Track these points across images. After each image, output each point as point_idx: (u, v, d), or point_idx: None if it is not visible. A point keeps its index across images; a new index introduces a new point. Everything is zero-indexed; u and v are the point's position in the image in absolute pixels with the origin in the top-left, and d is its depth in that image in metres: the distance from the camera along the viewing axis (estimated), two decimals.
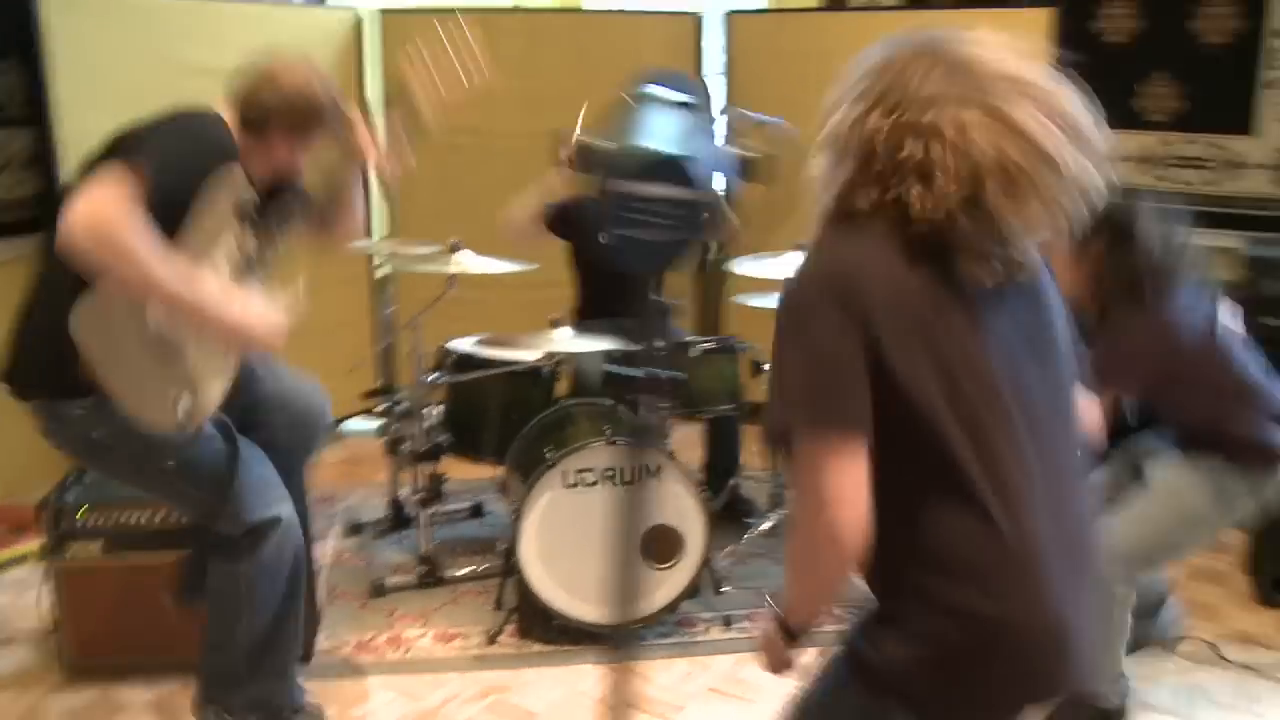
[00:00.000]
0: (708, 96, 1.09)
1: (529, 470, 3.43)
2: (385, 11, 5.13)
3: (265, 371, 2.94)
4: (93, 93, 4.04)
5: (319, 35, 4.92)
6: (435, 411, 3.91)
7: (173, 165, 2.36)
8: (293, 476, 2.93)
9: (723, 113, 1.23)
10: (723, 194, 0.60)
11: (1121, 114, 4.81)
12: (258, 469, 2.75)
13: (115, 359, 2.39)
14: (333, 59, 4.97)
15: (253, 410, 2.88)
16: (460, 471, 4.05)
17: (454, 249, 3.71)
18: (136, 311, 2.38)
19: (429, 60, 2.80)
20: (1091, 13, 4.76)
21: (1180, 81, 4.69)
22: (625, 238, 0.57)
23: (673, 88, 0.78)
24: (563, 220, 4.33)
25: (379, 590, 3.75)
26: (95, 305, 2.33)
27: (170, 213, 2.33)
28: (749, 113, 0.90)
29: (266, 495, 2.74)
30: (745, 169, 0.68)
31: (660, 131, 0.65)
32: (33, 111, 4.00)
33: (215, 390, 2.63)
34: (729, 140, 0.86)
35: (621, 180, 0.59)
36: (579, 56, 5.25)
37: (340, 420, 5.26)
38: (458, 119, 5.18)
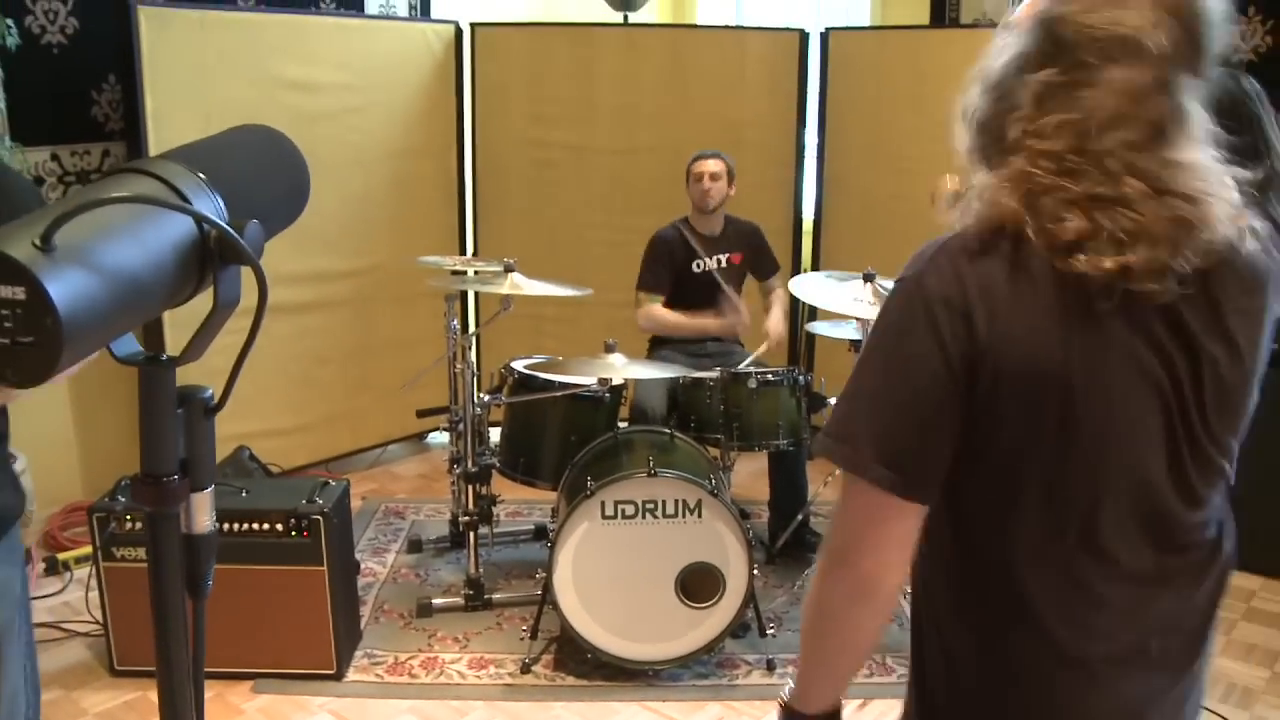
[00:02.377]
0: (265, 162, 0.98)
1: (572, 498, 3.35)
2: (477, 25, 5.14)
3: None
4: (185, 105, 4.16)
5: (418, 49, 4.97)
6: (496, 432, 3.87)
7: None
8: None
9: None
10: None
11: None
12: None
13: None
14: (431, 72, 5.01)
15: None
16: (527, 493, 4.00)
17: (508, 269, 3.65)
18: None
19: None
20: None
21: None
22: None
23: (211, 154, 0.71)
24: (662, 265, 4.28)
25: (425, 610, 3.72)
26: None
27: None
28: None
29: None
30: (210, 255, 0.59)
31: (49, 219, 0.57)
32: (128, 126, 4.14)
33: None
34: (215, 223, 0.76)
35: None
36: (680, 72, 5.17)
37: (426, 434, 5.32)
38: (554, 135, 5.25)
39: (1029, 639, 1.30)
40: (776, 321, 4.32)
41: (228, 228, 0.75)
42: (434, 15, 5.43)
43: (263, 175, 1.00)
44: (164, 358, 0.84)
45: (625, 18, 5.36)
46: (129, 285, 0.66)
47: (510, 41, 5.17)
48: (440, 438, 5.33)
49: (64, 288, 0.59)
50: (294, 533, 3.24)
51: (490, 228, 5.28)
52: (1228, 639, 3.73)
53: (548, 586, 3.31)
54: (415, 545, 4.23)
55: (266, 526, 3.23)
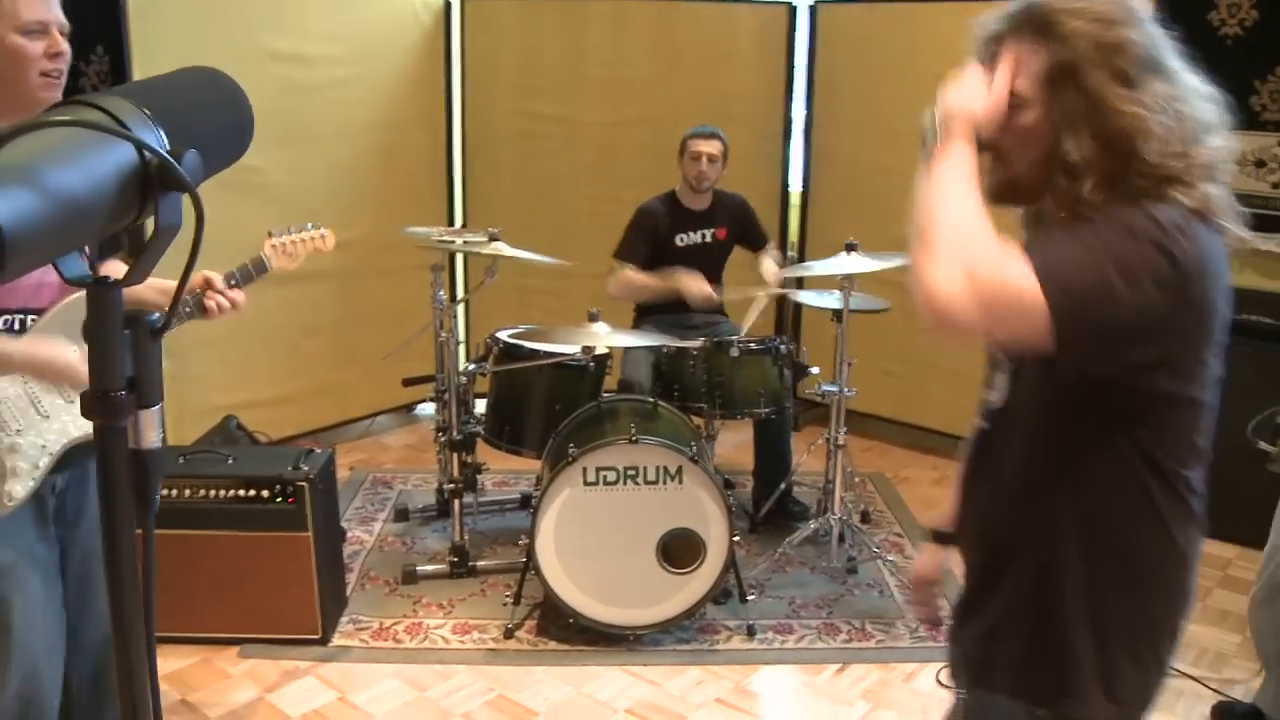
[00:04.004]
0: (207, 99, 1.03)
1: (554, 465, 3.39)
2: None
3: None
4: None
5: (406, 22, 4.98)
6: (481, 401, 3.91)
7: None
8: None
9: None
10: None
11: (1237, 113, 4.45)
12: (35, 644, 2.21)
13: None
14: (419, 46, 5.02)
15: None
16: (513, 462, 4.03)
17: (492, 239, 3.68)
18: None
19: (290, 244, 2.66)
20: (1208, 2, 4.40)
21: None
22: None
23: (159, 91, 0.76)
24: (643, 236, 4.28)
25: (410, 577, 3.76)
26: None
27: None
28: None
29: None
30: (149, 180, 0.64)
31: None
32: None
33: (19, 488, 2.14)
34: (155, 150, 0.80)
35: None
36: (669, 45, 5.17)
37: (415, 405, 5.36)
38: (543, 107, 5.26)
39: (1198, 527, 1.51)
40: (770, 267, 4.34)
41: (166, 155, 0.79)
42: None
43: (205, 111, 1.05)
44: (110, 279, 0.89)
45: None
46: (69, 205, 0.70)
47: (499, 14, 5.17)
48: (428, 409, 5.35)
49: (5, 203, 0.62)
50: (279, 499, 3.27)
51: (479, 200, 5.30)
52: (1203, 605, 3.78)
53: (530, 552, 3.35)
54: (402, 514, 4.27)
55: (252, 493, 3.27)
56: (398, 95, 4.97)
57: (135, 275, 0.86)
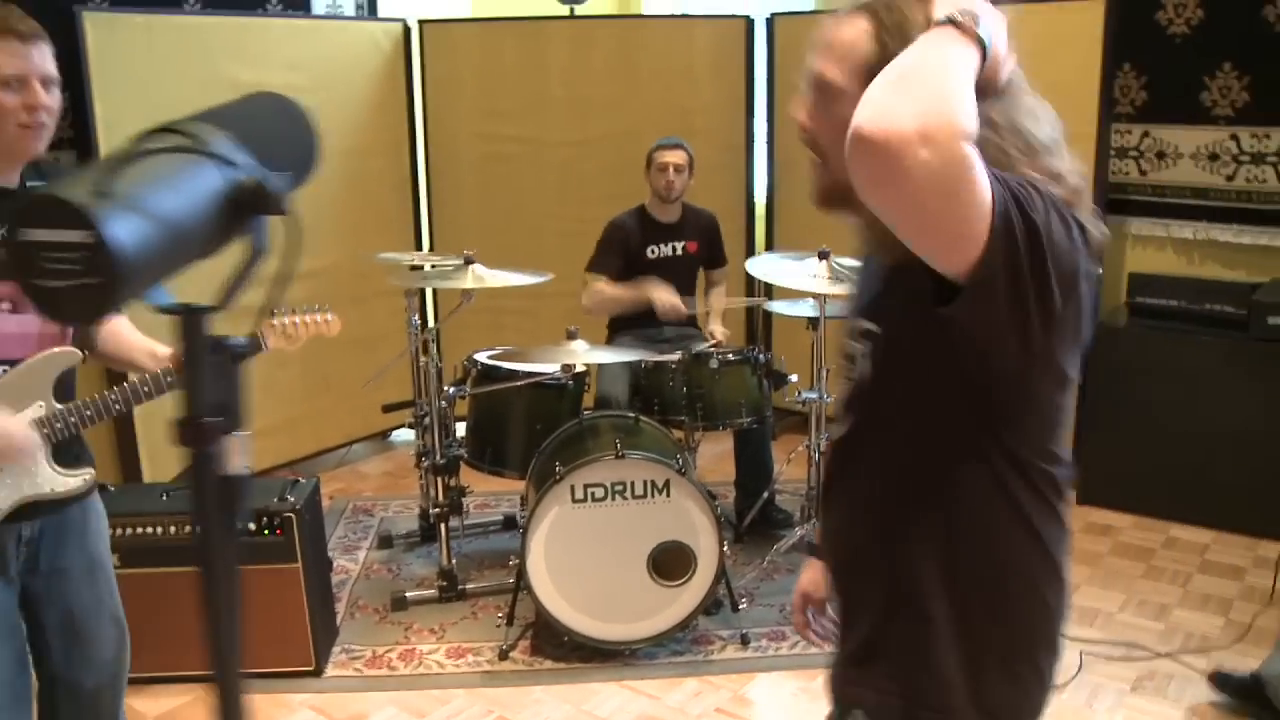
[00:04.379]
0: (282, 126, 1.02)
1: (541, 484, 3.39)
2: (425, 22, 5.16)
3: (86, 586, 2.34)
4: (136, 112, 4.14)
5: (367, 48, 4.98)
6: (462, 425, 3.91)
7: None
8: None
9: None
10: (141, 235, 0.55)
11: (1188, 108, 4.56)
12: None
13: None
14: (381, 70, 5.02)
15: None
16: (494, 484, 4.03)
17: (468, 262, 3.68)
18: None
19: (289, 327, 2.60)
20: (1149, 6, 4.50)
21: (1250, 73, 4.40)
22: (39, 288, 0.54)
23: (235, 118, 0.75)
24: (614, 250, 4.30)
25: (400, 604, 3.75)
26: None
27: None
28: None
29: None
30: (242, 206, 0.63)
31: (101, 171, 0.62)
32: (77, 134, 4.11)
33: None
34: (246, 175, 0.80)
35: (20, 227, 0.55)
36: (629, 62, 5.21)
37: (389, 431, 5.34)
38: (506, 128, 5.27)
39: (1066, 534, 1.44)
40: (717, 326, 4.37)
41: (260, 180, 0.80)
42: (381, 14, 5.43)
43: (280, 136, 1.05)
44: (201, 306, 0.89)
45: (572, 10, 5.39)
46: (175, 230, 0.71)
47: (459, 38, 5.18)
48: (404, 435, 5.34)
49: (121, 231, 0.62)
50: (266, 530, 3.25)
51: (445, 223, 5.30)
52: (1184, 590, 3.85)
53: (521, 572, 3.35)
54: (386, 541, 4.25)
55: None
56: (361, 122, 4.96)
57: (227, 300, 0.87)
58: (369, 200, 5.04)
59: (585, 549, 3.33)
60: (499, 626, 3.56)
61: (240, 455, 0.92)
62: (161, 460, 4.20)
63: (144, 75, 4.19)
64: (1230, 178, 4.52)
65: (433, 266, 3.78)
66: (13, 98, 2.00)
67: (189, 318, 0.85)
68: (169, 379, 2.29)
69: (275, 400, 4.79)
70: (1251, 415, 4.19)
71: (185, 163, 0.74)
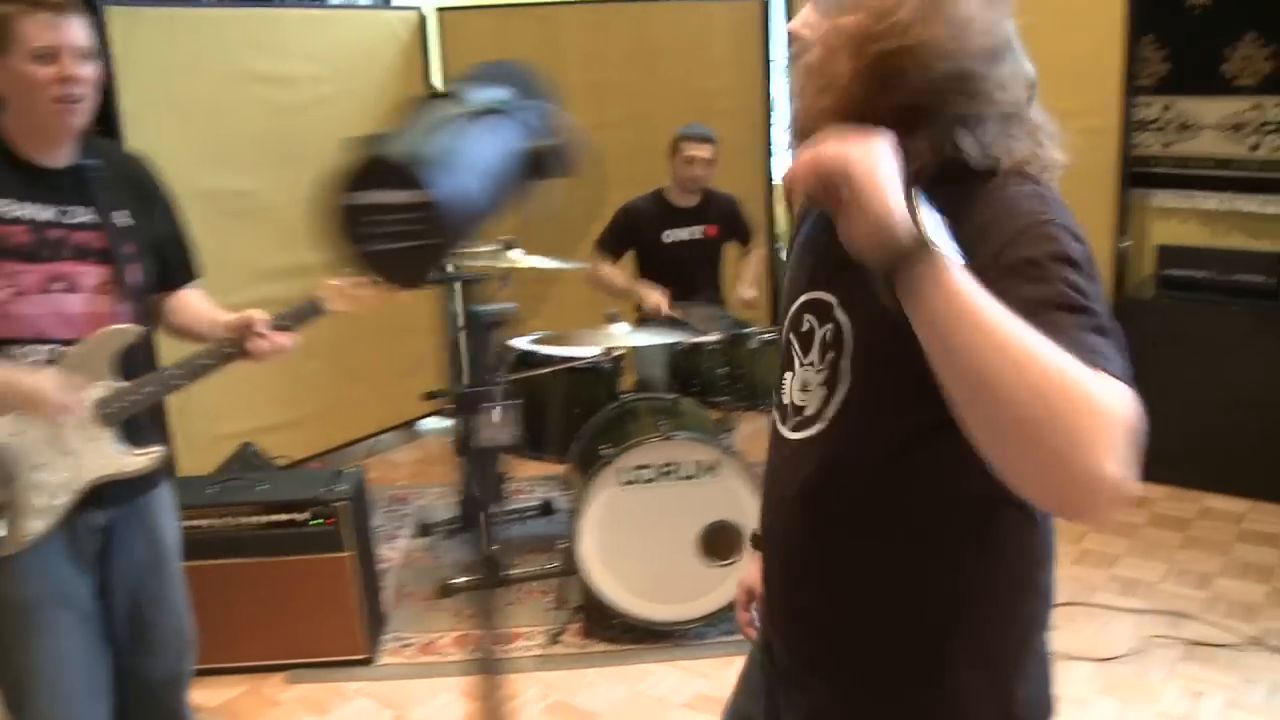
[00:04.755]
0: (533, 88, 1.03)
1: (586, 467, 3.40)
2: (442, 10, 5.14)
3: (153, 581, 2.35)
4: (160, 104, 4.13)
5: (383, 36, 4.96)
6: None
7: None
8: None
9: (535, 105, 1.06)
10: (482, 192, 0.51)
11: (1210, 80, 4.57)
12: (66, 685, 2.17)
13: None
14: (398, 60, 5.00)
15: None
16: (530, 469, 4.03)
17: (507, 246, 3.67)
18: None
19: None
20: None
21: (1273, 42, 4.41)
22: (370, 252, 0.49)
23: (492, 81, 0.71)
24: (623, 233, 4.30)
25: (446, 590, 3.75)
26: None
27: None
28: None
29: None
30: (539, 163, 0.60)
31: (411, 133, 0.57)
32: (103, 126, 4.08)
33: (37, 524, 2.10)
34: (538, 135, 0.80)
35: (345, 192, 0.51)
36: (644, 47, 5.20)
37: (416, 420, 5.33)
38: None
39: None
40: (746, 289, 4.36)
41: (559, 141, 0.79)
42: (396, 2, 5.40)
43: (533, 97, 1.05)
44: (472, 275, 0.88)
45: None
46: (488, 188, 0.68)
47: (475, 24, 5.17)
48: (431, 423, 5.34)
49: (448, 189, 0.59)
50: (317, 520, 3.25)
51: None
52: (1226, 559, 3.87)
53: (571, 556, 3.36)
54: (424, 529, 4.25)
55: (289, 517, 3.24)
56: (381, 111, 4.93)
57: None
58: None
59: (635, 530, 3.34)
60: (548, 610, 3.57)
61: (499, 426, 0.92)
62: (200, 453, 4.19)
63: (166, 67, 4.17)
64: (1254, 148, 4.53)
65: (473, 253, 3.76)
66: (46, 70, 1.98)
67: (467, 287, 0.85)
68: (228, 350, 2.26)
69: (303, 392, 4.77)
70: None
71: (491, 124, 0.73)
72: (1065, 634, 3.40)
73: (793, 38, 1.27)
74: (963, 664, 1.28)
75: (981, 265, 1.06)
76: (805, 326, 1.33)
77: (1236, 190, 4.58)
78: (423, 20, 5.10)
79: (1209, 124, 4.61)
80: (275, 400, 4.67)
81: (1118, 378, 1.00)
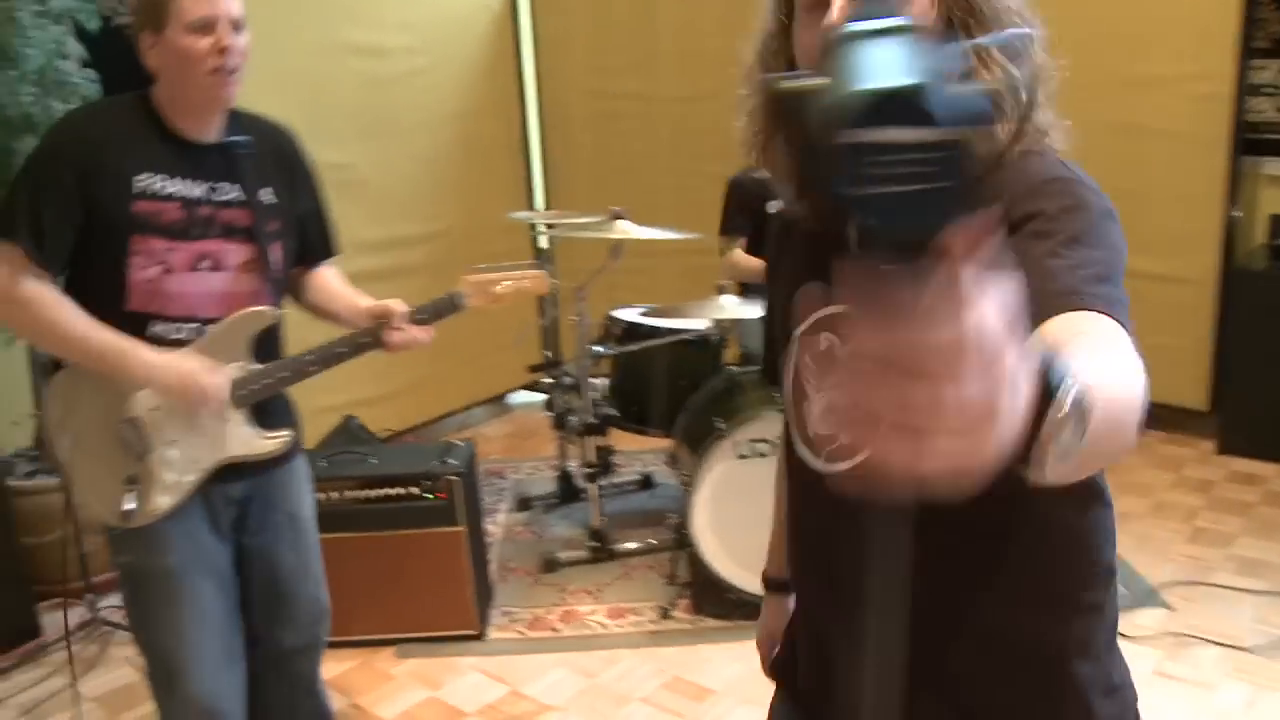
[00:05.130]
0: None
1: (699, 441, 3.35)
2: None
3: (292, 557, 2.34)
4: (257, 75, 4.10)
5: (475, 7, 4.91)
6: (601, 383, 3.87)
7: (39, 214, 1.96)
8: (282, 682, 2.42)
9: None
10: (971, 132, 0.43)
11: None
12: (210, 650, 2.18)
13: (67, 430, 2.11)
14: (490, 30, 4.96)
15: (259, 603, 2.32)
16: (628, 443, 3.99)
17: (616, 217, 3.62)
18: (101, 385, 2.06)
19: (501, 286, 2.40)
20: None
21: None
22: (877, 197, 0.42)
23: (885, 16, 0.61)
24: (740, 209, 4.19)
25: (551, 565, 3.73)
26: (68, 372, 2.10)
27: (89, 235, 1.99)
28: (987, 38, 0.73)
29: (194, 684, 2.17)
30: (989, 105, 0.50)
31: (882, 66, 0.49)
32: None
33: (165, 499, 2.09)
34: (963, 72, 0.70)
35: (849, 129, 0.43)
36: (740, 13, 5.10)
37: (506, 394, 5.32)
38: (618, 85, 5.20)
39: None
40: None
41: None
42: None
43: None
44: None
45: None
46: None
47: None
48: (521, 397, 5.32)
49: (960, 128, 0.49)
50: (431, 495, 3.24)
51: (559, 181, 5.26)
52: (1259, 524, 3.77)
53: (683, 530, 3.32)
54: (524, 504, 4.24)
55: (402, 491, 3.23)
56: (472, 83, 4.92)
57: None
58: (483, 162, 5.00)
59: (751, 504, 3.27)
60: (658, 585, 3.53)
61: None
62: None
63: (263, 40, 4.10)
64: None
65: (575, 224, 3.73)
66: (203, 42, 1.96)
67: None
68: (365, 339, 2.24)
69: (397, 365, 4.73)
70: None
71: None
72: (1188, 614, 3.32)
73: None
74: (1077, 661, 1.19)
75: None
76: (824, 345, 1.22)
77: None
78: None
79: None
80: (371, 374, 4.66)
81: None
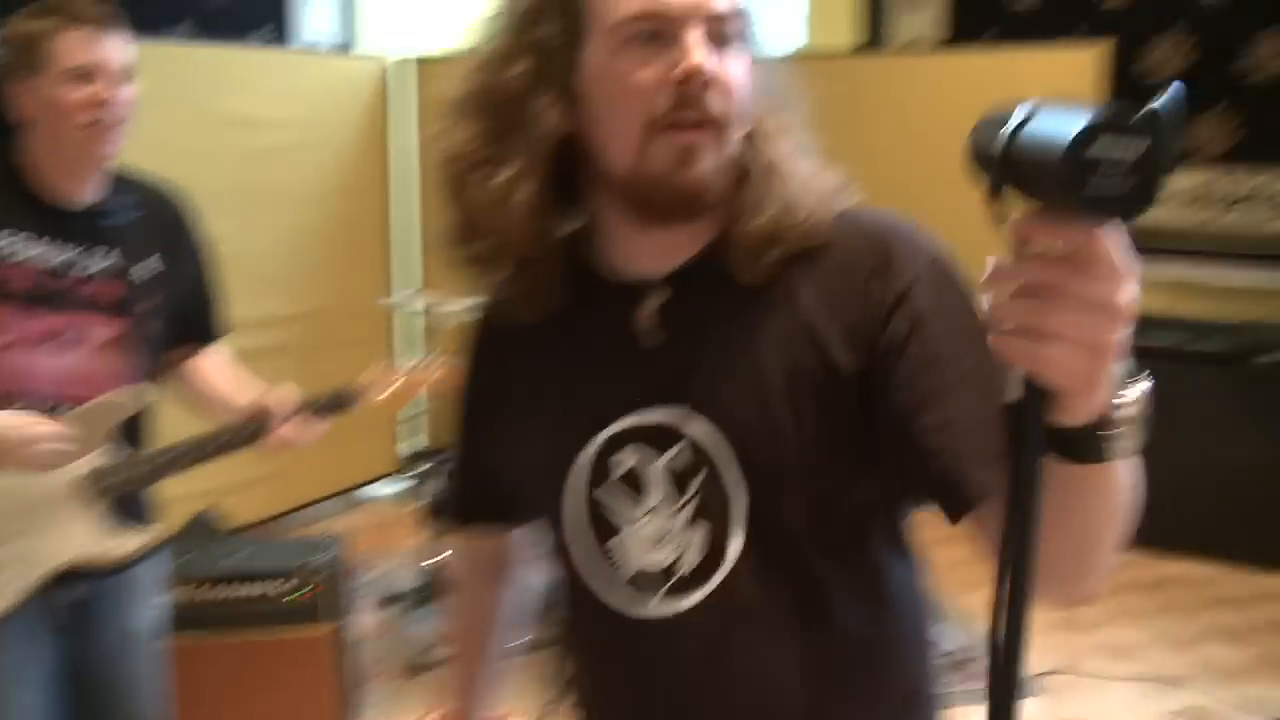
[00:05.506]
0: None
1: None
2: (423, 60, 5.03)
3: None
4: (127, 144, 3.90)
5: (346, 84, 4.82)
6: None
7: None
8: None
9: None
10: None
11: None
12: None
13: None
14: (360, 109, 4.85)
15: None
16: None
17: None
18: None
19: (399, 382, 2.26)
20: (1139, 53, 4.64)
21: (1233, 117, 4.56)
22: (1098, 198, 0.65)
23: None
24: None
25: (420, 666, 3.53)
26: None
27: None
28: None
29: None
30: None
31: (1069, 114, 0.68)
32: None
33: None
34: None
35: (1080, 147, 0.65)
36: None
37: (361, 485, 5.09)
38: None
39: None
40: None
41: None
42: (362, 48, 5.24)
43: None
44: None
45: None
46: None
47: (450, 74, 5.07)
48: (372, 490, 5.10)
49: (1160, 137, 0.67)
50: (296, 593, 3.01)
51: (440, 260, 5.13)
52: (1202, 624, 3.89)
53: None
54: (391, 600, 4.01)
55: (263, 589, 3.00)
56: (351, 158, 4.80)
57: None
58: (360, 239, 4.88)
59: None
60: (539, 685, 3.37)
61: None
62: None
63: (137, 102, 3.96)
64: (1213, 220, 4.65)
65: (456, 307, 3.60)
66: (78, 92, 1.79)
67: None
68: (251, 432, 2.04)
69: (245, 455, 4.50)
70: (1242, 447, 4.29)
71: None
72: (1060, 703, 3.36)
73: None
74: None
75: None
76: (623, 469, 1.09)
77: (1196, 260, 4.69)
78: (384, 70, 4.96)
79: (1171, 194, 4.72)
80: (222, 463, 4.39)
81: None
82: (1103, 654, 3.69)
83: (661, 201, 1.02)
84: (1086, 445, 0.78)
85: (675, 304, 1.08)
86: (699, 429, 1.05)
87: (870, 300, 1.02)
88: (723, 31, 1.02)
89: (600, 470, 1.09)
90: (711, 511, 1.05)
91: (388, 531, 4.72)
